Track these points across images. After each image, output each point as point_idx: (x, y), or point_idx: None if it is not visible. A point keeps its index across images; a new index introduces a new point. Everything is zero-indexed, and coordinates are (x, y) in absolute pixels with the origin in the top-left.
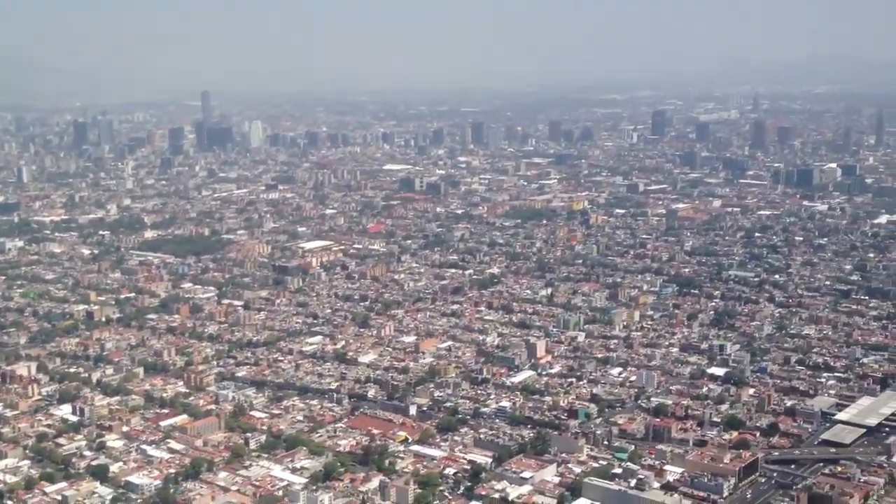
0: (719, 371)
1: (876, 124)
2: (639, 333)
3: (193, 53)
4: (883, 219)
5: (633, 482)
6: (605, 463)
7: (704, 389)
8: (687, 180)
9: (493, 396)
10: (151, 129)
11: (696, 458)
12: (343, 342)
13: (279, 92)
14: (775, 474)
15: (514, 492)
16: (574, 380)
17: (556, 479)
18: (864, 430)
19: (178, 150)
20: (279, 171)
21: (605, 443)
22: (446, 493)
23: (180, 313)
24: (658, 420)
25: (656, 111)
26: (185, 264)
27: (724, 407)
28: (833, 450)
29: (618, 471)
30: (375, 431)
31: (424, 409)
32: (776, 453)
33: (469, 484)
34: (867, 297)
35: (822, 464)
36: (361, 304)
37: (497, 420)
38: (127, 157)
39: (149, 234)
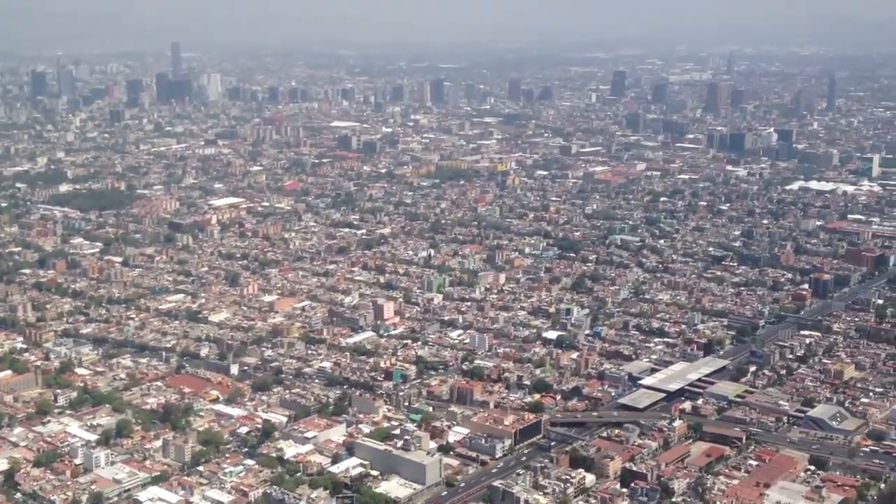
0: (553, 335)
1: (828, 89)
2: (495, 296)
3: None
4: (796, 185)
5: (400, 443)
6: (396, 424)
7: (530, 353)
8: (624, 143)
9: (321, 357)
10: (111, 81)
11: (480, 421)
12: (203, 301)
13: (263, 43)
14: (556, 436)
15: (293, 450)
16: (410, 341)
17: (341, 439)
18: (664, 395)
19: (135, 103)
20: (227, 127)
21: (406, 404)
22: (227, 452)
23: (55, 269)
24: (464, 383)
25: (616, 72)
26: (84, 219)
27: (540, 370)
28: (616, 413)
29: (396, 432)
30: (187, 390)
31: (250, 368)
32: (560, 416)
33: (255, 443)
34: (737, 264)
35: (604, 427)
36: (240, 262)
37: (316, 380)
38: (81, 109)
39: (64, 189)
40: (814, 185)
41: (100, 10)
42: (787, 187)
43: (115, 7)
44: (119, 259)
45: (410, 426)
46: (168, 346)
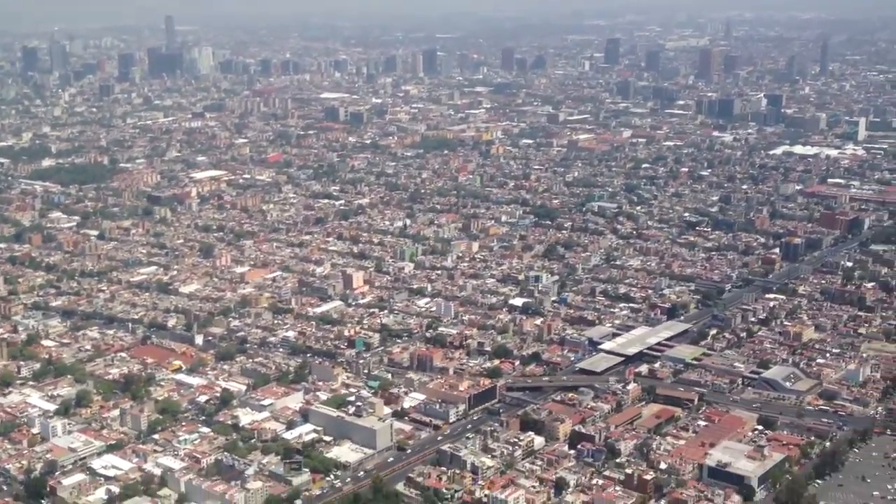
0: (519, 302)
1: (821, 53)
2: (466, 265)
3: None
4: (780, 150)
5: (352, 410)
6: (354, 391)
7: (495, 320)
8: (612, 110)
9: (286, 326)
10: (104, 56)
11: (436, 387)
12: (175, 273)
13: (260, 15)
14: (511, 401)
15: (249, 418)
16: (377, 310)
17: (298, 406)
18: (622, 359)
19: (126, 77)
20: (216, 99)
21: (366, 372)
22: (184, 421)
23: (31, 243)
24: (424, 350)
25: (610, 39)
26: (64, 193)
27: (502, 336)
28: (572, 377)
29: (352, 399)
30: (150, 360)
31: (215, 338)
32: (516, 381)
33: (213, 411)
34: (711, 230)
35: (560, 391)
36: (216, 234)
37: (280, 349)
38: (72, 84)
39: (47, 163)
40: (798, 149)
41: None
42: (771, 152)
43: None
44: (95, 233)
45: (366, 393)
46: (136, 317)
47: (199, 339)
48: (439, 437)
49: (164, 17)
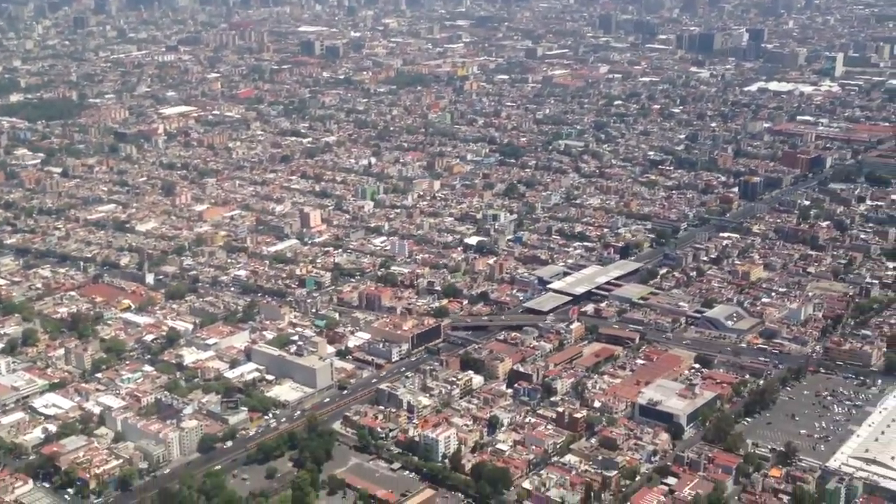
0: (474, 241)
1: None
2: (426, 203)
3: None
4: (755, 86)
5: (293, 349)
6: (300, 330)
7: (448, 259)
8: (592, 45)
9: (239, 265)
10: None
11: (380, 326)
12: (133, 211)
13: None
14: (455, 340)
15: (193, 357)
16: (332, 249)
17: (243, 346)
18: (570, 298)
19: (102, 9)
20: (192, 32)
21: (314, 311)
22: (129, 360)
23: None
24: (373, 289)
25: None
26: (31, 129)
27: (459, 275)
28: (518, 316)
29: (295, 338)
30: (99, 299)
31: (168, 277)
32: (462, 320)
33: (158, 350)
34: (673, 168)
35: (505, 330)
36: (180, 172)
37: (231, 288)
38: (47, 16)
39: (14, 98)
40: (773, 85)
41: None
42: (746, 89)
43: None
44: (59, 170)
45: (309, 333)
46: (89, 256)
47: (150, 278)
48: (381, 377)
49: None
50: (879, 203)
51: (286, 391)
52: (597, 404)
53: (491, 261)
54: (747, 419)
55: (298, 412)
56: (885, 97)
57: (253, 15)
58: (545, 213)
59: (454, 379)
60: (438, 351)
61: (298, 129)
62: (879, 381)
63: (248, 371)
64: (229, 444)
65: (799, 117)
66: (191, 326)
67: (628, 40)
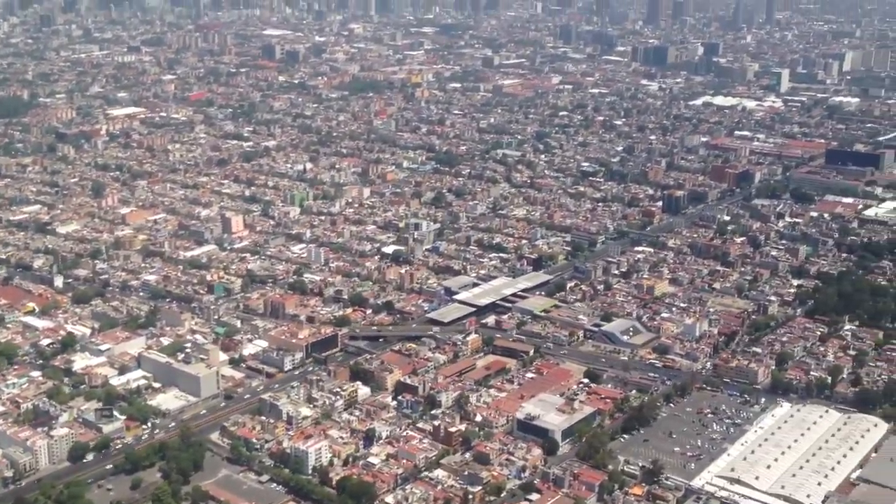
0: (391, 249)
1: (766, 3)
2: (352, 210)
3: None
4: (700, 101)
5: (181, 357)
6: (198, 337)
7: (362, 267)
8: (549, 55)
9: (152, 270)
10: None
11: (277, 334)
12: (58, 212)
13: None
14: (352, 349)
15: (83, 362)
16: (249, 255)
17: (137, 352)
18: (474, 309)
19: (71, 8)
20: (157, 33)
21: (216, 318)
22: (18, 364)
23: None
24: (278, 296)
25: None
26: None
27: (368, 284)
28: (417, 327)
29: (187, 346)
30: (4, 302)
31: (79, 281)
32: (361, 330)
33: (51, 354)
34: (603, 180)
35: (404, 340)
36: (113, 173)
37: (140, 293)
38: (16, 13)
39: None
40: (719, 100)
41: None
42: (691, 102)
43: None
44: None
45: (202, 339)
46: (3, 257)
47: (58, 281)
48: (271, 386)
49: None
50: (797, 220)
51: (169, 399)
52: (478, 418)
53: (402, 270)
54: (625, 435)
55: (171, 423)
56: (826, 114)
57: (222, 17)
58: (469, 223)
59: (339, 390)
60: (326, 361)
61: (242, 132)
62: (763, 399)
63: (134, 378)
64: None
65: (737, 132)
66: (88, 331)
67: (586, 51)
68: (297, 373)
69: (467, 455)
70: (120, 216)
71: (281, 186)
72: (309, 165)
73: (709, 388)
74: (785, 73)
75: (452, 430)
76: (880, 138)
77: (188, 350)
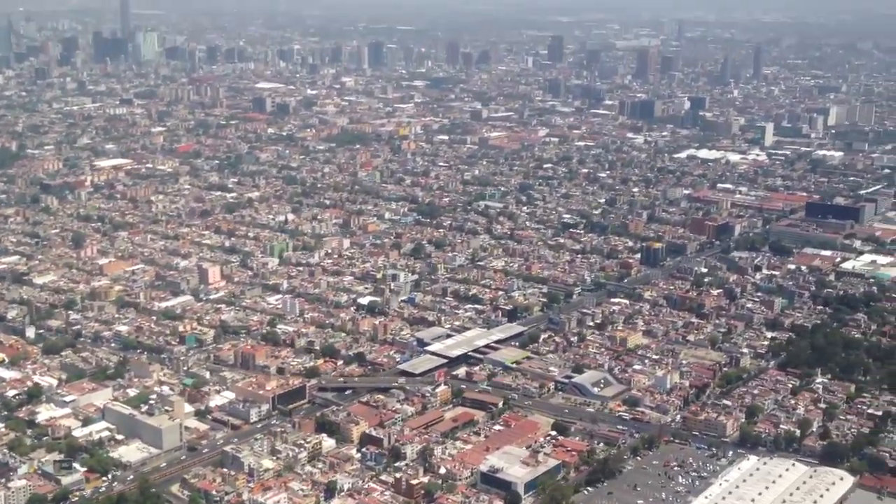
0: (365, 300)
1: (754, 57)
2: (330, 261)
3: None
4: (685, 153)
5: (145, 408)
6: (166, 388)
7: (336, 318)
8: (537, 109)
9: (126, 320)
10: (57, 38)
11: (244, 385)
12: (36, 262)
13: (229, 1)
14: (321, 401)
15: (47, 414)
16: (225, 305)
17: (102, 403)
18: (446, 361)
19: (67, 61)
20: (151, 86)
21: (185, 369)
22: None
23: None
24: (248, 347)
25: (554, 36)
26: None
27: (341, 335)
28: (388, 378)
29: (153, 397)
30: None
31: (52, 331)
32: (327, 381)
33: (16, 405)
34: (584, 232)
35: (374, 392)
36: (94, 224)
37: (112, 344)
38: (12, 66)
39: None
40: (703, 153)
41: None
42: (676, 155)
43: None
44: None
45: (168, 391)
46: None
47: (30, 332)
48: (235, 439)
49: (120, 1)
50: (775, 273)
51: (132, 451)
52: (442, 471)
53: (376, 321)
54: (589, 488)
55: (130, 476)
56: (809, 167)
57: (216, 70)
58: (447, 274)
59: (303, 442)
60: (291, 413)
61: (226, 184)
62: (731, 452)
63: (98, 430)
64: None
65: (719, 185)
66: (55, 382)
67: (574, 105)
68: (261, 425)
69: None
70: (98, 267)
71: (261, 237)
72: (291, 216)
73: (677, 440)
74: (769, 126)
75: (414, 482)
76: (861, 192)
77: (152, 402)
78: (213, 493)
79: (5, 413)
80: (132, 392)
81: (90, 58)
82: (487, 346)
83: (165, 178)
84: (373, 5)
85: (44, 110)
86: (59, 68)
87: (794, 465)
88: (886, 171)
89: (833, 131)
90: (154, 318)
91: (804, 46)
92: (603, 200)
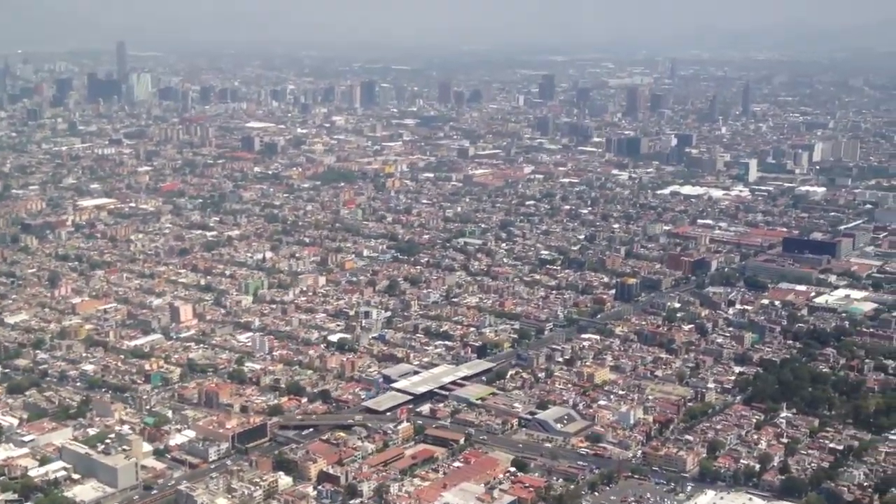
0: (335, 338)
1: (742, 95)
2: (305, 299)
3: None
4: (668, 190)
5: (101, 447)
6: (126, 428)
7: (304, 356)
8: (524, 146)
9: (93, 359)
10: (53, 79)
11: (205, 424)
12: (9, 302)
13: (225, 41)
14: (282, 439)
15: (5, 454)
16: (194, 344)
17: (60, 443)
18: (411, 398)
19: (60, 102)
20: (141, 126)
21: (148, 407)
22: None
23: None
24: (212, 385)
25: (545, 75)
26: None
27: (307, 373)
28: (352, 416)
29: (112, 436)
30: None
31: (19, 370)
32: (284, 419)
33: None
34: (560, 268)
35: (336, 429)
36: (71, 264)
37: (78, 383)
38: (4, 107)
39: None
40: (687, 189)
41: (75, 7)
42: (659, 192)
43: (92, 5)
44: None
45: (126, 430)
46: None
47: None
48: (189, 477)
49: (116, 43)
50: (747, 307)
51: (87, 491)
52: None
53: (344, 358)
54: None
55: None
56: (791, 203)
57: (208, 110)
58: (420, 311)
59: (259, 480)
60: (247, 451)
61: (208, 222)
62: (689, 487)
63: (54, 469)
64: None
65: (699, 221)
66: (16, 422)
67: (562, 142)
68: (217, 464)
69: None
70: (70, 306)
71: (238, 275)
72: (269, 254)
73: (636, 476)
74: (753, 162)
75: None
76: (841, 227)
77: (108, 441)
78: None
79: None
80: (92, 431)
81: (83, 99)
82: (454, 382)
83: (147, 217)
84: (369, 46)
85: (32, 150)
86: (52, 109)
87: (750, 500)
88: (868, 206)
89: (818, 167)
90: (122, 356)
91: (795, 83)
92: (582, 236)
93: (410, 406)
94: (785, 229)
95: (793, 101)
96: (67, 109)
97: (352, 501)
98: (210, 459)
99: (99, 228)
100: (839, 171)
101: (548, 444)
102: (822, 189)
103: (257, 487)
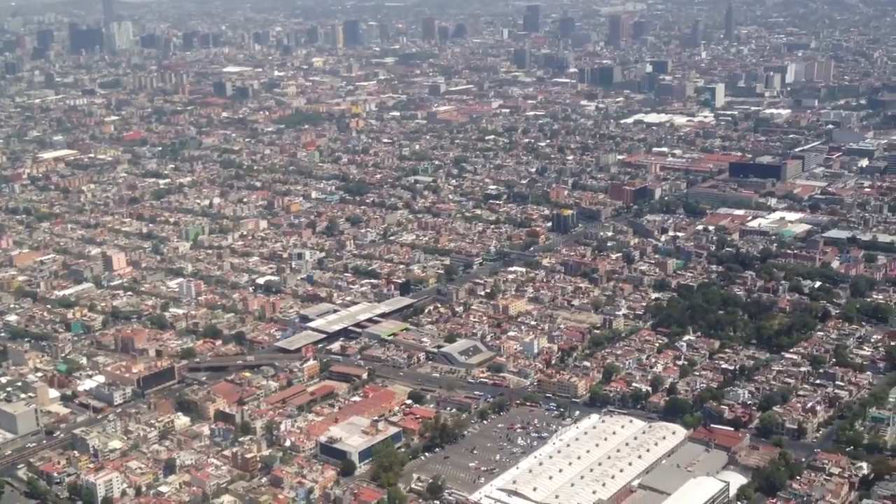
0: (263, 280)
1: (725, 17)
2: (242, 243)
3: None
4: (632, 119)
5: (2, 395)
6: (37, 375)
7: (227, 300)
8: (498, 80)
9: (19, 310)
10: (21, 32)
11: (113, 369)
12: None
13: None
14: (190, 381)
15: None
16: (122, 292)
17: None
18: (325, 336)
19: (42, 54)
20: (118, 76)
21: (63, 355)
22: None
23: None
24: (128, 332)
25: (529, 6)
26: None
27: (228, 316)
28: (263, 355)
29: (19, 384)
30: None
31: None
32: (199, 361)
33: None
34: (503, 202)
35: (245, 369)
36: (20, 216)
37: (2, 333)
38: None
39: None
40: (651, 117)
41: None
42: (623, 121)
43: None
44: None
45: (32, 377)
46: None
47: None
48: (93, 421)
49: None
50: (679, 234)
51: None
52: (287, 443)
53: (267, 300)
54: (426, 454)
55: None
56: (751, 127)
57: (188, 57)
58: (355, 251)
59: (154, 421)
60: (143, 394)
61: (163, 171)
62: (578, 412)
63: None
64: None
65: (655, 149)
66: None
67: (537, 75)
68: (120, 410)
69: (264, 480)
70: (8, 258)
71: (182, 222)
72: (217, 200)
73: (528, 403)
74: (720, 87)
75: (249, 456)
76: (798, 149)
77: (10, 389)
78: (55, 475)
79: None
80: (4, 380)
81: (66, 51)
82: (370, 319)
83: (104, 167)
84: None
85: (4, 104)
86: (33, 62)
87: (630, 421)
88: (830, 126)
89: (789, 89)
90: (49, 306)
91: (789, 4)
92: (534, 170)
93: (322, 344)
94: (739, 154)
95: (783, 21)
96: (48, 61)
97: (242, 438)
98: (115, 403)
99: (53, 180)
100: (807, 93)
101: (450, 376)
102: (787, 111)
103: (153, 428)
